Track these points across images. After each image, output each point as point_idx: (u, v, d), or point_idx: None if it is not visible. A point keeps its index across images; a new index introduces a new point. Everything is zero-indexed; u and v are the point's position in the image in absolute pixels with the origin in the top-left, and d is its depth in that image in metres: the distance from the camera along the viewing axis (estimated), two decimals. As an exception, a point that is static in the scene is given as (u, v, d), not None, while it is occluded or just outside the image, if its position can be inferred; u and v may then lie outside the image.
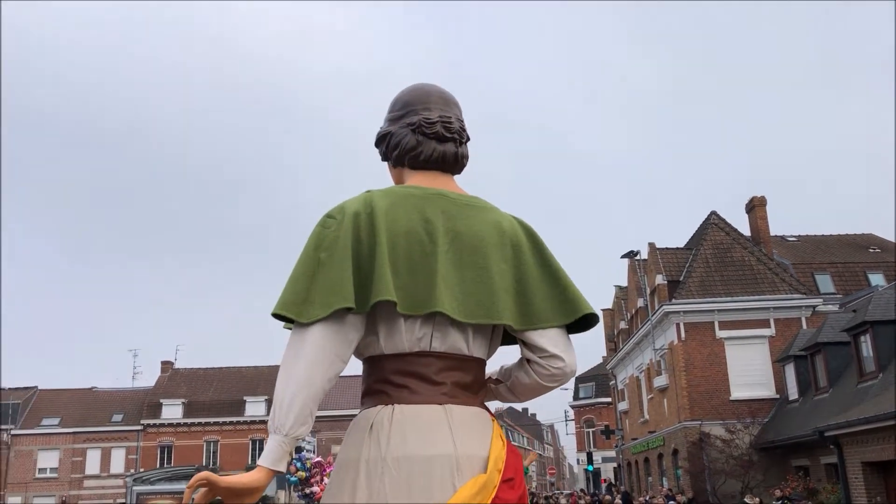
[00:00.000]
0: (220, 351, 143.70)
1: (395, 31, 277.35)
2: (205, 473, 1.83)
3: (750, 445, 26.38)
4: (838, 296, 30.55)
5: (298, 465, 23.30)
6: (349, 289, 1.86)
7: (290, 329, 1.92)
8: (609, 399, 55.21)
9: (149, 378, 65.93)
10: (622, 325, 40.85)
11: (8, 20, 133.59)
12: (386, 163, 2.24)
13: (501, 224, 2.07)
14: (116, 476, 53.15)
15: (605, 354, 52.77)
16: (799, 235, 36.34)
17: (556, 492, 65.13)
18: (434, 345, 1.94)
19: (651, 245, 33.15)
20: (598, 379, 64.49)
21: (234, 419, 55.68)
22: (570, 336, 2.08)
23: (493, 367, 2.23)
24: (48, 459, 54.84)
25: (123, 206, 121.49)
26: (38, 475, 54.36)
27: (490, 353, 2.10)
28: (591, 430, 65.11)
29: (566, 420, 73.40)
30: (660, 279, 31.40)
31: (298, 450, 25.65)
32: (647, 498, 29.35)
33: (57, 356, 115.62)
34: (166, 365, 60.23)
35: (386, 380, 1.94)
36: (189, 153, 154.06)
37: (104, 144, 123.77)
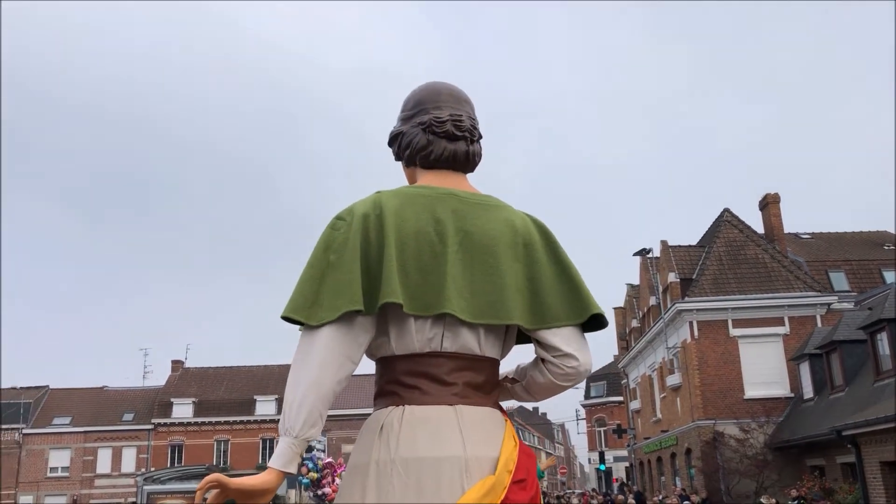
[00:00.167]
0: (231, 350, 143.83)
1: (414, 29, 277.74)
2: (215, 475, 1.83)
3: (764, 445, 26.20)
4: (853, 293, 30.33)
5: (310, 465, 23.16)
6: (357, 291, 1.86)
7: (302, 330, 1.93)
8: (621, 398, 55.05)
9: (159, 377, 66.40)
10: (634, 323, 40.66)
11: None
12: (400, 162, 2.24)
13: (514, 222, 2.05)
14: (127, 475, 53.40)
15: (616, 353, 52.60)
16: (813, 233, 36.14)
17: (568, 491, 64.92)
18: (445, 345, 1.94)
19: (663, 243, 32.95)
20: (610, 378, 64.28)
21: (245, 418, 55.80)
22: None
23: (509, 365, 2.21)
24: (59, 458, 55.18)
25: (132, 206, 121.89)
26: (49, 474, 54.75)
27: (504, 352, 2.08)
28: (602, 429, 64.94)
29: (577, 419, 73.23)
30: (672, 277, 31.20)
31: (309, 449, 25.56)
32: (661, 498, 29.14)
33: (68, 355, 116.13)
34: (177, 364, 60.46)
35: (397, 381, 1.94)
36: (201, 152, 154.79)
37: (112, 143, 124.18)
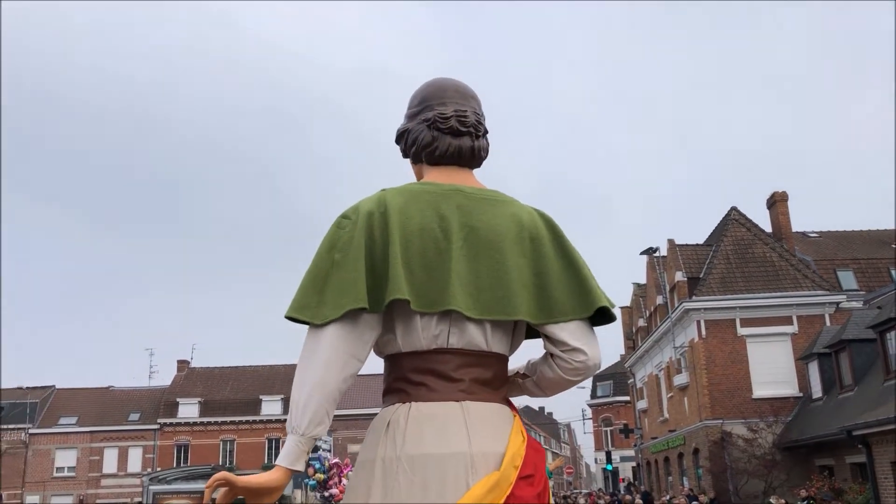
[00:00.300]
0: (236, 350, 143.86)
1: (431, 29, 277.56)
2: (223, 473, 1.84)
3: (773, 445, 26.08)
4: (861, 292, 30.15)
5: (317, 465, 23.05)
6: (362, 289, 1.86)
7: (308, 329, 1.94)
8: (627, 397, 54.86)
9: (165, 377, 66.45)
10: (641, 322, 40.52)
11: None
12: (407, 159, 2.24)
13: (520, 217, 2.04)
14: (133, 475, 53.47)
15: (623, 352, 52.42)
16: (821, 231, 35.95)
17: (575, 491, 64.80)
18: (451, 341, 1.93)
19: (670, 241, 32.83)
20: (616, 377, 64.14)
21: (251, 418, 55.82)
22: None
23: (521, 360, 2.21)
24: (66, 458, 55.31)
25: (134, 206, 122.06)
26: (55, 474, 54.89)
27: (513, 348, 2.07)
28: (608, 428, 64.80)
29: (584, 419, 73.04)
30: (679, 276, 31.07)
31: (315, 450, 25.48)
32: (669, 498, 29.02)
33: (73, 356, 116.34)
34: (182, 364, 60.56)
35: (404, 378, 1.94)
36: (202, 152, 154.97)
37: (112, 142, 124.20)
